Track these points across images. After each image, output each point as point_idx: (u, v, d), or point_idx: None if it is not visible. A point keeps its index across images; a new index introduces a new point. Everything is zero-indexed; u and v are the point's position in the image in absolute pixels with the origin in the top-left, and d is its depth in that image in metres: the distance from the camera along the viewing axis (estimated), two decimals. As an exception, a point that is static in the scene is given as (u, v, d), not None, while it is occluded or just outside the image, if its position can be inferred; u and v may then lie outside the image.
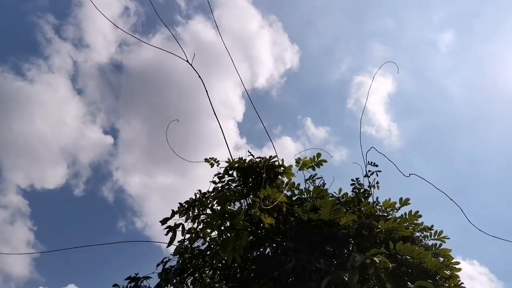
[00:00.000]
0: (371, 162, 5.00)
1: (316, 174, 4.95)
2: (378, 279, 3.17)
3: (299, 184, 4.78)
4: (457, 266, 3.83)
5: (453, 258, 3.86)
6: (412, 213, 4.25)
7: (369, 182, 4.92)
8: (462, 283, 3.67)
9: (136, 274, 4.53)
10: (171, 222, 4.61)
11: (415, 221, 4.16)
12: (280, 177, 4.45)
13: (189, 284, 4.80)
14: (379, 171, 5.00)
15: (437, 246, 4.15)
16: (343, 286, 3.23)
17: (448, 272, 3.71)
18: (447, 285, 3.54)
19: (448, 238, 4.18)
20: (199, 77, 5.00)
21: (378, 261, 2.96)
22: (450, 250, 3.97)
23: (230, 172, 4.49)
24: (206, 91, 5.11)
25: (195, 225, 4.45)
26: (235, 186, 4.47)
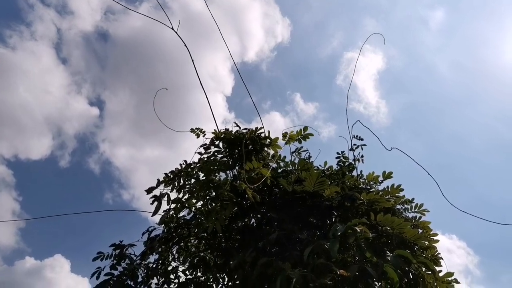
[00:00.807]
0: (357, 136, 5.05)
1: (302, 147, 4.99)
2: (358, 248, 3.26)
3: (285, 157, 4.82)
4: (435, 238, 3.96)
5: (432, 230, 3.99)
6: (394, 187, 4.34)
7: (354, 156, 4.99)
8: (439, 253, 3.81)
9: (121, 242, 4.56)
10: (156, 192, 4.63)
11: (396, 194, 4.25)
12: (266, 149, 4.47)
13: (174, 253, 4.87)
14: (364, 145, 5.07)
15: (416, 219, 4.28)
16: (325, 255, 3.32)
17: (426, 243, 3.84)
18: (424, 255, 3.67)
19: (428, 211, 4.30)
20: (185, 45, 4.89)
21: (358, 231, 3.04)
22: (429, 223, 4.09)
23: (216, 143, 4.48)
24: (192, 61, 5.02)
25: (181, 195, 4.46)
26: (221, 157, 4.47)
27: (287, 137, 4.62)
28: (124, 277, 4.16)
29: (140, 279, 4.34)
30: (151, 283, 4.37)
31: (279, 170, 4.60)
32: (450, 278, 3.51)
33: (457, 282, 3.52)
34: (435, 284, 3.39)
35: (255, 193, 3.75)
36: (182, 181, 4.63)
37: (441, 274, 3.52)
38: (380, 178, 4.63)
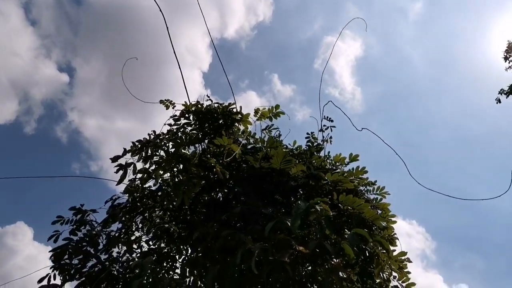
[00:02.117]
0: (327, 117, 5.12)
1: (273, 125, 5.01)
2: (319, 225, 3.36)
3: (255, 133, 4.83)
4: (393, 219, 4.13)
5: (390, 212, 4.15)
6: (359, 169, 4.46)
7: (323, 137, 5.06)
8: (395, 234, 3.99)
9: (82, 205, 4.47)
10: (122, 162, 4.54)
11: (360, 176, 4.38)
12: (237, 124, 4.45)
13: (138, 223, 4.85)
14: (334, 126, 5.14)
15: (377, 200, 4.43)
16: (286, 231, 3.41)
17: (384, 224, 4.00)
18: (381, 235, 3.83)
19: (389, 194, 4.46)
20: (161, 11, 4.70)
21: (319, 209, 3.12)
22: (388, 204, 4.25)
23: (187, 116, 4.41)
24: (167, 30, 4.85)
25: (147, 166, 4.40)
26: (190, 130, 4.42)
27: (258, 114, 4.61)
28: (83, 243, 4.11)
29: (101, 247, 4.30)
30: (112, 251, 4.35)
31: (249, 147, 4.61)
32: (403, 258, 3.70)
33: (409, 261, 3.72)
34: (389, 262, 3.56)
35: (223, 169, 3.75)
36: (149, 151, 4.56)
37: (395, 254, 3.70)
38: (347, 160, 4.74)
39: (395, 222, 4.15)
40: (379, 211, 4.18)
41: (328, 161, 4.80)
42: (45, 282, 4.11)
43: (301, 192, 4.29)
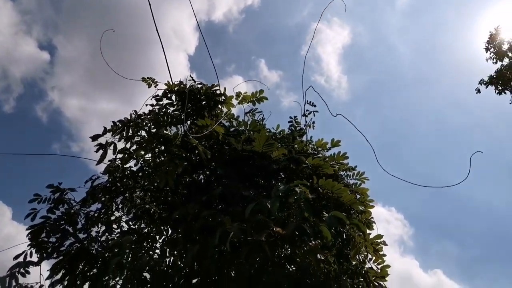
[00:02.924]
0: (310, 102, 5.13)
1: (256, 108, 5.00)
2: (298, 208, 3.41)
3: (238, 116, 4.82)
4: (371, 203, 4.23)
5: (368, 196, 4.24)
6: (340, 154, 4.52)
7: (306, 121, 5.09)
8: (372, 218, 4.08)
9: (60, 183, 4.40)
10: (103, 141, 4.47)
11: (341, 161, 4.44)
12: (220, 106, 4.42)
13: (118, 203, 4.81)
14: (316, 111, 5.17)
15: (357, 185, 4.51)
16: (266, 213, 3.44)
17: (362, 208, 4.08)
18: (358, 218, 3.91)
19: (368, 179, 4.54)
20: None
21: (299, 191, 3.16)
22: (367, 189, 4.34)
23: (169, 96, 4.36)
24: (150, 7, 4.72)
25: (128, 146, 4.35)
26: (173, 111, 4.37)
27: (240, 97, 4.59)
28: (61, 222, 4.07)
29: (79, 226, 4.26)
30: (91, 231, 4.32)
31: (231, 129, 4.60)
32: (379, 240, 3.80)
33: (385, 244, 3.82)
34: (365, 244, 3.66)
35: (205, 149, 3.73)
36: (131, 131, 4.50)
37: (371, 237, 3.80)
38: (328, 145, 4.79)
39: (373, 206, 4.24)
40: (358, 196, 4.26)
41: (310, 145, 4.84)
42: (21, 259, 4.07)
43: (282, 175, 4.32)
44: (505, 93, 14.50)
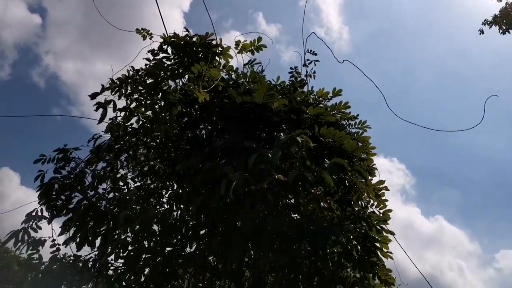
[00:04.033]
0: (310, 51, 4.99)
1: (255, 59, 4.88)
2: (300, 157, 3.43)
3: (237, 68, 4.71)
4: (372, 151, 4.23)
5: (370, 144, 4.23)
6: (342, 103, 4.46)
7: (307, 72, 4.98)
8: (374, 164, 4.10)
9: (65, 145, 4.44)
10: (102, 100, 4.43)
11: (343, 110, 4.40)
12: (217, 58, 4.31)
13: (122, 160, 4.87)
14: (317, 60, 5.05)
15: (359, 134, 4.49)
16: (268, 163, 3.45)
17: (364, 156, 4.10)
18: (361, 165, 3.93)
19: (370, 127, 4.51)
20: None
21: (300, 140, 3.15)
22: (369, 137, 4.32)
23: (165, 48, 4.24)
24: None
25: (128, 103, 4.32)
26: (169, 65, 4.27)
27: (239, 46, 4.46)
28: (69, 180, 4.14)
29: (86, 184, 4.34)
30: (98, 188, 4.41)
31: (230, 82, 4.52)
32: (380, 186, 3.84)
33: (387, 190, 3.87)
34: (367, 190, 3.71)
35: (205, 94, 3.68)
36: (129, 88, 4.44)
37: (373, 183, 3.84)
38: (330, 95, 4.72)
39: (374, 154, 4.25)
40: (360, 144, 4.25)
41: (311, 96, 4.77)
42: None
43: (283, 127, 4.31)
44: (509, 32, 14.00)
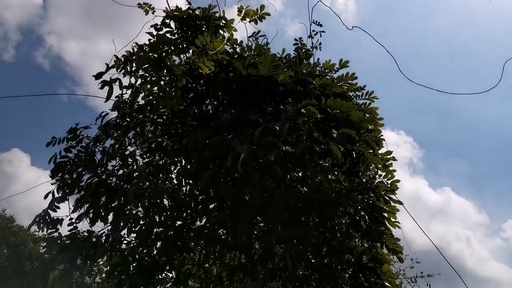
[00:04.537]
0: (316, 21, 4.88)
1: (259, 31, 4.79)
2: (307, 128, 3.42)
3: (241, 41, 4.65)
4: (380, 122, 4.19)
5: (378, 115, 4.19)
6: (349, 75, 4.40)
7: (312, 43, 4.89)
8: (382, 135, 4.07)
9: (77, 124, 4.49)
10: (107, 78, 4.42)
11: (350, 81, 4.34)
12: (221, 31, 4.25)
13: (130, 137, 4.90)
14: (323, 31, 4.94)
15: (366, 105, 4.45)
16: (275, 135, 3.45)
17: (371, 127, 4.07)
18: (368, 136, 3.90)
19: (377, 98, 4.46)
20: None
21: (307, 112, 3.13)
22: (376, 108, 4.28)
23: (168, 22, 4.19)
24: None
25: (133, 80, 4.32)
26: (173, 39, 4.22)
27: (242, 13, 4.35)
28: (79, 159, 4.20)
29: (96, 162, 4.40)
30: (108, 165, 4.46)
31: (235, 56, 4.47)
32: (388, 156, 3.83)
33: (394, 160, 3.86)
34: (375, 160, 3.70)
35: (210, 64, 3.64)
36: (134, 65, 4.43)
37: (381, 152, 3.83)
38: (336, 66, 4.65)
39: (382, 125, 4.22)
40: (368, 115, 4.22)
41: (317, 68, 4.71)
42: (49, 198, 4.29)
43: (290, 100, 4.28)
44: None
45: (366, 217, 3.85)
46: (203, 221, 4.47)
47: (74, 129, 4.47)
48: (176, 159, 4.79)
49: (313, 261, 4.30)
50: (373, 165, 3.86)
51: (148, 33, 4.25)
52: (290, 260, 3.76)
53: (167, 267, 4.59)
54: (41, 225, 4.07)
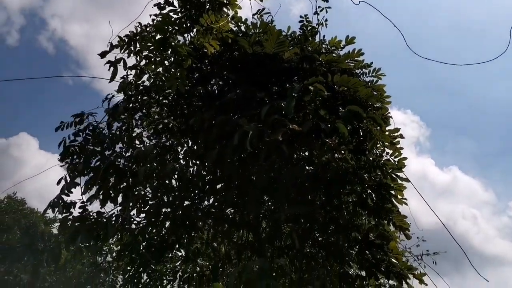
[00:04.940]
0: (321, -4, 4.75)
1: (264, 8, 4.71)
2: (313, 107, 3.39)
3: (246, 19, 4.57)
4: (387, 100, 4.14)
5: (385, 92, 4.14)
6: (355, 51, 4.33)
7: (318, 20, 4.79)
8: (389, 113, 4.03)
9: (82, 112, 4.51)
10: (111, 58, 4.40)
11: (356, 58, 4.27)
12: (225, 9, 4.18)
13: (137, 119, 4.91)
14: (329, 7, 4.83)
15: (373, 82, 4.38)
16: (282, 113, 3.43)
17: (378, 104, 4.02)
18: (375, 113, 3.86)
19: (384, 75, 4.39)
20: None
21: (314, 89, 3.10)
22: (384, 85, 4.22)
23: (171, 1, 4.12)
24: None
25: (138, 60, 4.29)
26: (177, 19, 4.17)
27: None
28: (88, 142, 4.24)
29: (104, 145, 4.43)
30: (115, 147, 4.49)
31: (240, 34, 4.41)
32: (395, 134, 3.80)
33: (402, 137, 3.83)
34: (382, 138, 3.67)
35: (215, 43, 3.61)
36: (138, 45, 4.39)
37: (388, 129, 3.80)
38: (343, 43, 4.57)
39: (389, 102, 4.17)
40: (375, 93, 4.16)
41: (323, 45, 4.63)
42: (62, 183, 4.35)
43: (295, 79, 4.23)
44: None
45: (373, 195, 3.85)
46: (211, 200, 4.52)
47: (80, 114, 4.48)
48: (182, 140, 4.80)
49: (320, 239, 4.34)
50: (380, 143, 3.84)
51: (152, 14, 4.19)
52: (297, 238, 3.80)
53: (176, 246, 4.68)
54: (56, 209, 4.15)
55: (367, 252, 3.75)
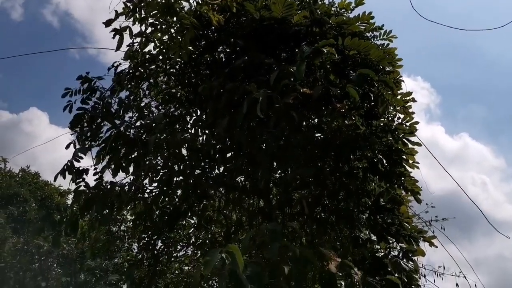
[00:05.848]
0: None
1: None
2: (324, 70, 3.33)
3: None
4: (399, 63, 4.04)
5: (397, 55, 4.03)
6: (366, 14, 4.19)
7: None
8: (401, 76, 3.94)
9: (87, 73, 4.46)
10: (117, 26, 4.33)
11: (366, 21, 4.14)
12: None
13: (144, 89, 4.89)
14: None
15: (384, 46, 4.27)
16: (291, 78, 3.37)
17: (390, 68, 3.93)
18: (387, 77, 3.78)
19: (396, 37, 4.26)
20: None
21: (325, 51, 3.03)
22: (395, 49, 4.10)
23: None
24: None
25: (143, 28, 4.21)
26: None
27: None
28: (97, 110, 4.25)
29: (113, 113, 4.43)
30: (125, 116, 4.50)
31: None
32: (407, 98, 3.74)
33: (414, 101, 3.77)
34: (393, 100, 3.62)
35: (219, 17, 3.53)
36: (143, 12, 4.30)
37: (399, 96, 3.73)
38: (352, 5, 4.41)
39: (401, 66, 4.06)
40: (387, 56, 4.06)
41: (332, 8, 4.48)
42: (71, 148, 4.39)
43: (305, 43, 4.13)
44: None
45: (384, 160, 3.84)
46: (221, 169, 4.55)
47: (85, 77, 4.43)
48: (191, 110, 4.78)
49: (329, 205, 4.38)
50: (391, 108, 3.79)
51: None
52: (306, 205, 3.83)
53: (189, 214, 4.77)
54: (67, 175, 4.20)
55: (377, 216, 3.78)
